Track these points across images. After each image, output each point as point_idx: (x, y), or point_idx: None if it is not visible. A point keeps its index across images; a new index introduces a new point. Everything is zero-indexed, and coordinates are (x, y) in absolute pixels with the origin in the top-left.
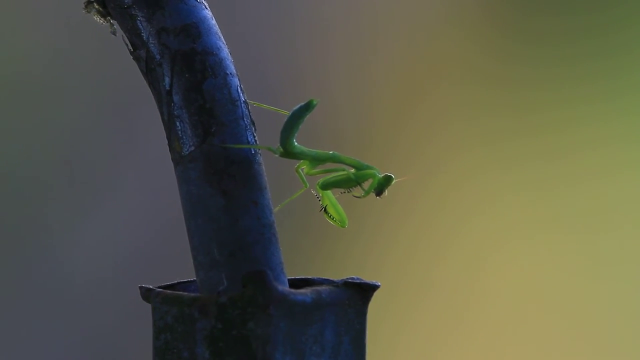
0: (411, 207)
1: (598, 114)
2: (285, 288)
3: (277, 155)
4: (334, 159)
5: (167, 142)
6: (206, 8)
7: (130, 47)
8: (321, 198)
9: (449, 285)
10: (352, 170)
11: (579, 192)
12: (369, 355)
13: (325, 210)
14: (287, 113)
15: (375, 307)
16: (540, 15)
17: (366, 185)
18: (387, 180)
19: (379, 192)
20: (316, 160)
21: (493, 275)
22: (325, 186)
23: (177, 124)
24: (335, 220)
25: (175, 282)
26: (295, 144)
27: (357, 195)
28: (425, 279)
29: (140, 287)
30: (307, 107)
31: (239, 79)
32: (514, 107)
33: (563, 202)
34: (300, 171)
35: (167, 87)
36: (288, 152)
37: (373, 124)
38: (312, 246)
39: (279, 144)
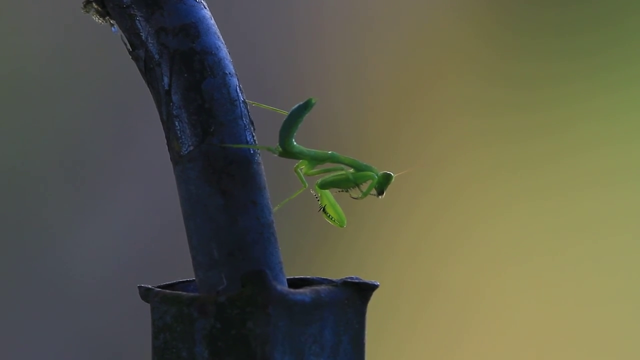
0: (412, 207)
1: (611, 108)
2: (284, 288)
3: (275, 155)
4: (332, 159)
5: (166, 141)
6: (205, 8)
7: (129, 47)
8: (320, 198)
9: (449, 286)
10: (351, 171)
11: (589, 193)
12: (368, 354)
13: (323, 210)
14: (285, 113)
15: (374, 306)
16: (547, 7)
17: (365, 186)
18: (387, 178)
19: (379, 191)
20: (315, 160)
21: (496, 277)
22: (324, 186)
23: (176, 123)
24: (334, 220)
25: (175, 281)
26: (294, 143)
27: (355, 196)
28: (424, 279)
29: (140, 287)
30: (306, 106)
31: (237, 79)
32: (520, 105)
33: (573, 205)
34: (299, 171)
35: (166, 87)
36: (287, 152)
37: (373, 123)
38: (311, 246)
39: (277, 144)
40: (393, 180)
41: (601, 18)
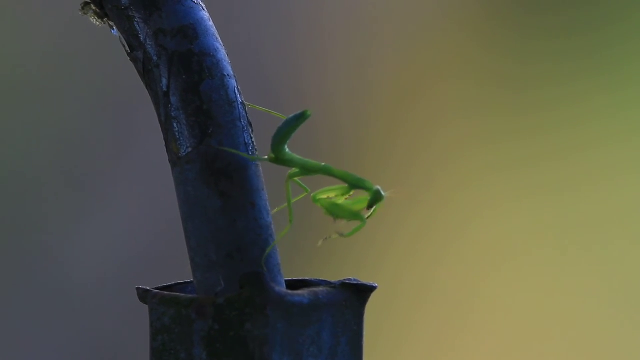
0: (410, 208)
1: (607, 108)
2: (282, 289)
3: (267, 161)
4: (325, 171)
5: (164, 143)
6: (203, 9)
7: (128, 49)
8: (323, 210)
9: (447, 287)
10: (345, 185)
11: (586, 194)
12: (366, 356)
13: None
14: (282, 117)
15: (372, 308)
16: (542, 9)
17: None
18: (378, 196)
19: (368, 206)
20: (306, 169)
21: (492, 278)
22: (318, 201)
23: (174, 125)
24: (353, 218)
25: (173, 283)
26: (286, 150)
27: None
28: (423, 280)
29: (138, 289)
30: (301, 117)
31: (236, 81)
32: (517, 105)
33: (569, 206)
34: (296, 179)
35: (165, 89)
36: (278, 159)
37: (371, 123)
38: (310, 247)
39: (270, 150)
40: (383, 200)
41: (599, 19)
